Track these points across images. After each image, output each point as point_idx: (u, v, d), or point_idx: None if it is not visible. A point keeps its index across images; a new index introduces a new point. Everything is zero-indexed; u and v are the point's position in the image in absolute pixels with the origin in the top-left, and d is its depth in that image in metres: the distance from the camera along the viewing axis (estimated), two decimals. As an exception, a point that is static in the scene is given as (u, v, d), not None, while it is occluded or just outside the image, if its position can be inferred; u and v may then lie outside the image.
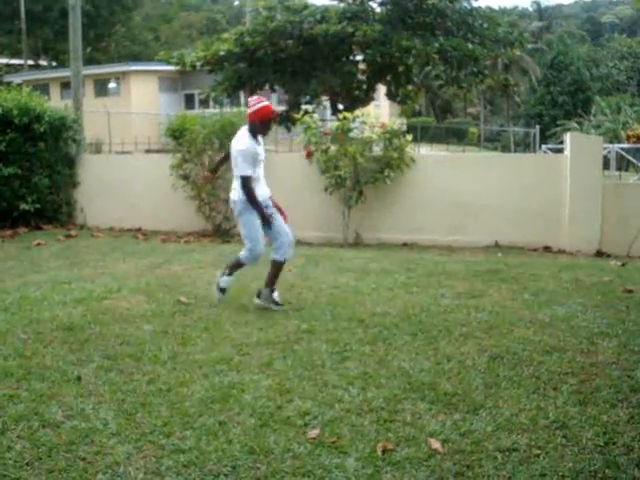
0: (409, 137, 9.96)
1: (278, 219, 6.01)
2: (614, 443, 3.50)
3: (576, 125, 38.48)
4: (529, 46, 52.87)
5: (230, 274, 6.24)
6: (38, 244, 10.11)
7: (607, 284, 7.10)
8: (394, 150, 9.68)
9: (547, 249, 9.76)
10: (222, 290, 6.25)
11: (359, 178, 9.78)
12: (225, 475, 3.20)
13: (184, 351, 4.93)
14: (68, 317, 5.79)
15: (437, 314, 5.84)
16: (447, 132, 46.86)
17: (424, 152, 24.85)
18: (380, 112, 35.21)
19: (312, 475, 3.18)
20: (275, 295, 6.05)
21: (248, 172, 5.76)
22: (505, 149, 42.78)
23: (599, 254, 9.49)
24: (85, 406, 3.98)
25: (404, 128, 37.61)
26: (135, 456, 3.39)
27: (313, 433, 3.59)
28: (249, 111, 5.82)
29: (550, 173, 9.80)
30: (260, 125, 5.81)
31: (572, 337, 5.23)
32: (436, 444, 3.45)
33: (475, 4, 21.01)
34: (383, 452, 3.37)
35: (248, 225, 5.92)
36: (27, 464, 3.33)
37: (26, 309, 6.08)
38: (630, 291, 6.73)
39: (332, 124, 10.55)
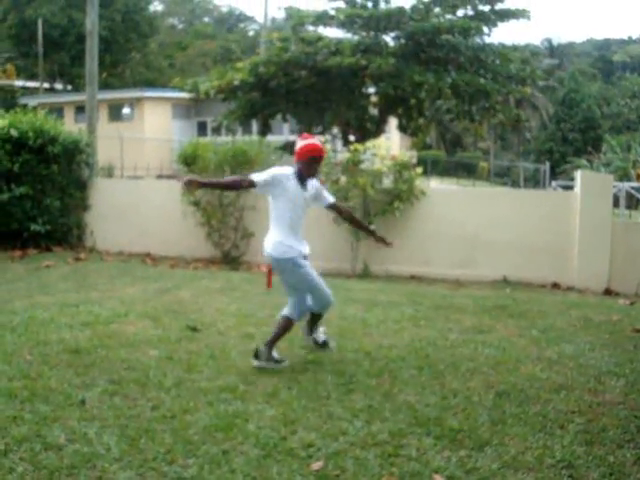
0: (419, 170, 10.01)
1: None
2: (621, 485, 3.46)
3: (586, 163, 38.55)
4: (541, 83, 53.28)
5: (272, 346, 5.24)
6: (47, 266, 10.14)
7: (616, 323, 7.07)
8: (404, 182, 9.73)
9: (555, 286, 9.73)
10: (278, 361, 5.22)
11: (368, 209, 9.82)
12: (227, 505, 3.18)
13: (189, 378, 4.91)
14: (75, 340, 5.79)
15: (444, 348, 5.81)
16: (457, 166, 47.04)
17: (434, 185, 24.93)
18: (390, 144, 35.50)
19: (315, 509, 3.15)
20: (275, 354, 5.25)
21: (256, 178, 5.03)
22: (515, 184, 42.86)
23: (607, 292, 9.46)
24: (88, 430, 3.97)
25: (414, 161, 37.87)
26: (137, 483, 3.37)
27: (317, 465, 3.56)
28: (296, 149, 5.15)
29: (560, 209, 9.81)
30: (304, 165, 5.09)
31: (580, 375, 5.19)
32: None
33: (488, 40, 21.28)
34: (387, 486, 3.35)
35: (305, 276, 5.19)
36: (28, 487, 3.32)
37: (33, 331, 6.09)
38: (638, 331, 6.70)
39: (343, 155, 10.61)
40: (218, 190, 7.15)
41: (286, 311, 5.29)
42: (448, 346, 5.91)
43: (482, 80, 19.62)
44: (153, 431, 3.97)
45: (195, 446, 3.77)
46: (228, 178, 5.34)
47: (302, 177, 5.11)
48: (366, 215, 9.87)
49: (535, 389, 4.84)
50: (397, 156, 10.09)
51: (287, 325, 5.28)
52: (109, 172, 19.24)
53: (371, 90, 21.20)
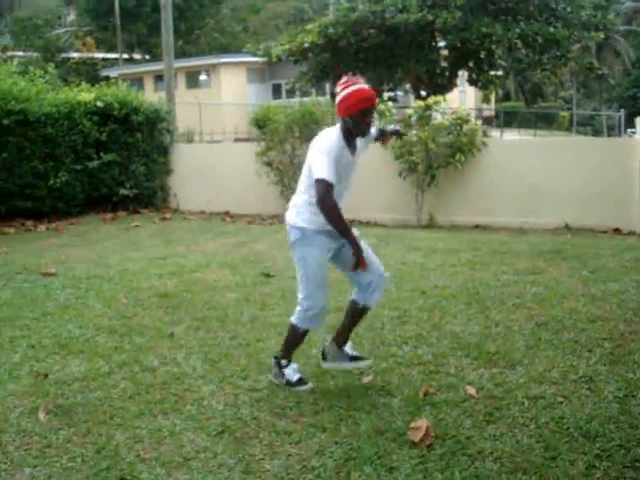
0: (478, 123, 10.36)
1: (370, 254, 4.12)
2: (633, 396, 3.93)
3: (671, 107, 37.35)
4: (622, 28, 51.38)
5: (289, 358, 4.25)
6: (136, 226, 11.07)
7: (667, 263, 7.37)
8: (465, 135, 10.12)
9: (617, 231, 9.96)
10: (300, 381, 4.17)
11: (431, 163, 10.27)
12: (290, 409, 3.85)
13: (262, 314, 5.62)
14: (163, 287, 6.60)
15: (494, 288, 6.31)
16: (536, 117, 46.17)
17: (509, 137, 24.83)
18: (466, 97, 35.26)
19: (362, 410, 3.78)
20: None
21: (330, 176, 3.74)
22: (597, 133, 41.88)
23: (670, 236, 9.64)
24: (177, 356, 4.72)
25: (492, 113, 37.27)
26: (217, 393, 4.09)
27: (367, 379, 4.20)
28: (337, 101, 3.92)
29: (620, 156, 9.98)
30: (357, 118, 3.83)
31: (618, 309, 5.61)
32: (472, 390, 3.99)
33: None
34: (425, 395, 3.94)
35: (306, 260, 4.04)
36: (129, 397, 4.07)
37: (127, 280, 6.93)
38: (688, 270, 6.99)
39: (407, 111, 11.04)
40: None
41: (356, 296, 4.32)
42: (499, 286, 6.41)
43: (552, 29, 19.48)
44: (231, 355, 4.70)
45: (266, 366, 4.46)
46: (334, 212, 3.76)
47: (351, 136, 3.93)
48: (429, 168, 10.32)
49: (573, 320, 5.31)
50: (457, 111, 10.47)
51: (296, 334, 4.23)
52: (189, 138, 20.12)
53: (440, 44, 21.32)
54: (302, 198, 3.99)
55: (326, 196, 3.72)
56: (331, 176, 3.73)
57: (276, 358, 4.22)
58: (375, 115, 10.56)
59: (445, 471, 3.15)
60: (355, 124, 3.84)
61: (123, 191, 12.64)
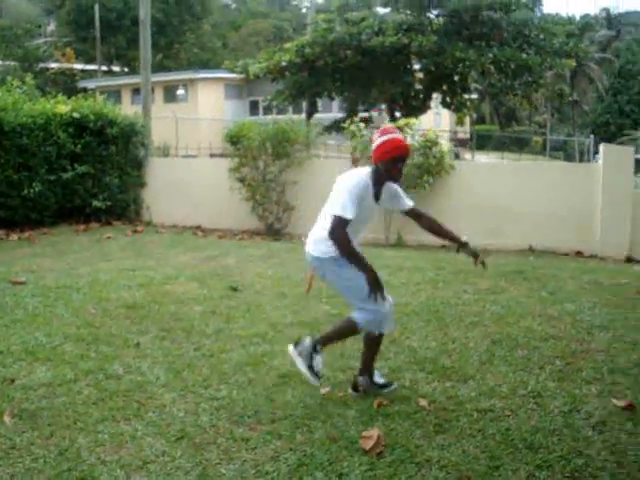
0: (446, 145, 10.62)
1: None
2: (578, 411, 4.13)
3: (642, 135, 38.13)
4: (597, 55, 52.48)
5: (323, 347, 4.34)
6: (108, 237, 11.15)
7: (623, 286, 7.61)
8: (433, 158, 10.37)
9: (579, 254, 10.27)
10: (318, 374, 4.27)
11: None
12: (248, 417, 3.99)
13: (227, 327, 5.76)
14: (132, 298, 6.71)
15: (455, 306, 6.51)
16: (510, 140, 46.86)
17: (482, 160, 25.21)
18: (441, 120, 35.74)
19: (318, 419, 3.94)
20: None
21: (347, 213, 3.95)
22: (570, 158, 42.56)
23: (629, 260, 9.94)
24: (141, 365, 4.84)
25: (467, 136, 37.76)
26: (178, 401, 4.22)
27: (325, 390, 4.36)
28: (373, 148, 4.16)
29: (584, 181, 10.32)
30: (388, 166, 4.04)
31: (572, 328, 5.83)
32: (424, 402, 4.17)
33: (540, 12, 21.49)
34: (378, 406, 4.11)
35: (351, 279, 4.14)
36: (93, 403, 4.19)
37: (96, 290, 7.03)
38: (642, 292, 7.24)
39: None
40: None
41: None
42: (459, 304, 6.60)
43: (524, 55, 19.94)
44: (194, 366, 4.83)
45: (227, 376, 4.60)
46: (345, 246, 4.00)
47: (380, 181, 4.13)
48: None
49: (527, 338, 5.52)
50: (427, 133, 10.72)
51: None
52: (164, 152, 20.21)
53: (415, 67, 21.70)
54: (322, 233, 4.13)
55: (338, 229, 3.94)
56: (348, 214, 3.93)
57: (316, 341, 4.28)
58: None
59: (393, 478, 3.32)
60: (387, 170, 4.04)
61: (96, 203, 12.71)
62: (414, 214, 4.47)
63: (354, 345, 5.26)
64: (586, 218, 10.24)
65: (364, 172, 4.13)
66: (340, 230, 3.94)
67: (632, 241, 10.07)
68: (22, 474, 3.37)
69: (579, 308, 6.51)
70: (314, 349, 4.24)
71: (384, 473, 3.35)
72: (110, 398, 4.26)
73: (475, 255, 4.62)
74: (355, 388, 4.35)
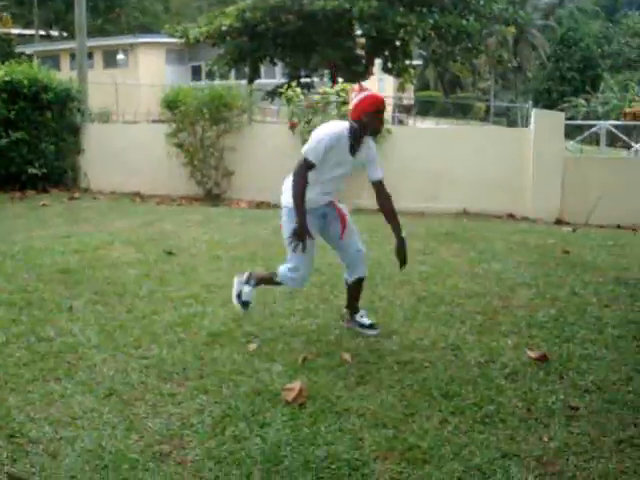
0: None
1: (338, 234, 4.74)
2: (493, 362, 4.35)
3: (583, 102, 38.88)
4: (539, 22, 53.12)
5: (256, 285, 4.98)
6: (44, 205, 11.03)
7: (550, 246, 7.92)
8: (370, 123, 10.49)
9: (511, 216, 10.57)
10: (245, 304, 4.97)
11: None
12: (177, 374, 4.10)
13: (161, 289, 5.84)
14: (66, 263, 6.71)
15: (385, 266, 6.68)
16: (454, 107, 47.35)
17: (428, 126, 25.47)
18: (384, 86, 35.88)
19: (243, 374, 4.08)
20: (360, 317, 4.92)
21: (310, 156, 4.27)
22: (512, 124, 43.20)
23: (559, 222, 10.28)
24: (73, 328, 4.90)
25: (412, 102, 38.01)
26: (109, 360, 4.30)
27: (252, 347, 4.50)
28: (351, 105, 4.36)
29: (516, 146, 10.59)
30: (371, 119, 4.29)
31: (496, 286, 6.08)
32: (347, 356, 4.34)
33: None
34: (303, 361, 4.26)
35: (286, 232, 4.51)
36: (24, 365, 4.24)
37: (30, 256, 7.01)
38: (567, 252, 7.52)
39: (315, 97, 11.33)
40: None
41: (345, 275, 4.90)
42: (390, 264, 6.76)
43: (464, 21, 20.14)
44: (125, 327, 4.91)
45: (158, 336, 4.70)
46: (298, 185, 4.29)
47: (359, 136, 4.34)
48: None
49: (452, 296, 5.74)
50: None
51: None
52: (105, 117, 19.91)
53: (357, 32, 21.73)
54: (288, 183, 4.46)
55: (300, 170, 4.30)
56: (311, 156, 4.27)
57: (250, 274, 4.95)
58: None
59: (312, 426, 3.47)
60: (370, 122, 4.29)
61: (32, 170, 12.52)
62: (377, 187, 4.62)
63: (284, 304, 5.42)
64: (518, 182, 10.54)
65: (342, 125, 4.38)
66: (300, 170, 4.29)
67: (562, 204, 10.40)
68: (-50, 433, 3.42)
69: (505, 267, 6.76)
70: (247, 280, 4.90)
71: (304, 422, 3.51)
72: (41, 360, 4.32)
73: (400, 254, 4.87)
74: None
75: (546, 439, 3.36)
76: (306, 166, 4.29)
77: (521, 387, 3.97)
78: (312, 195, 4.42)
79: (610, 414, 3.62)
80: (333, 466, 3.11)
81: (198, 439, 3.34)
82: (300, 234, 4.34)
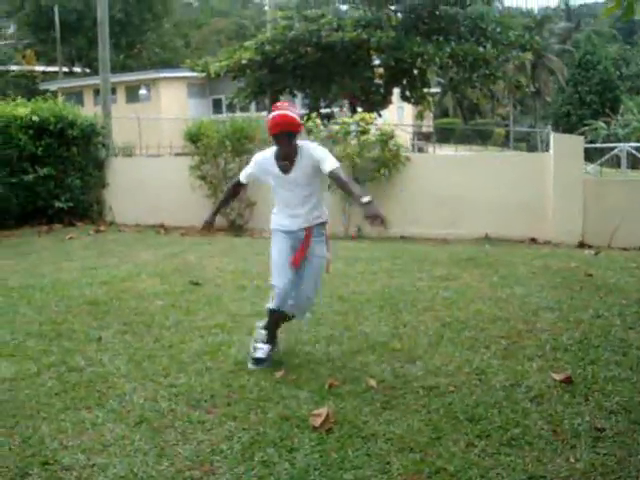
0: (400, 139, 10.88)
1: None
2: (519, 385, 4.37)
3: (603, 124, 38.85)
4: (556, 46, 53.28)
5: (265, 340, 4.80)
6: (70, 237, 11.24)
7: (572, 269, 7.91)
8: (389, 151, 10.62)
9: (533, 241, 10.58)
10: (257, 361, 4.73)
11: (358, 177, 10.72)
12: (205, 401, 4.17)
13: (187, 319, 5.93)
14: (94, 295, 6.84)
15: (409, 293, 6.74)
16: (473, 133, 47.47)
17: (446, 153, 25.54)
18: (404, 114, 36.10)
19: (271, 400, 4.14)
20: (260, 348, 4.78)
21: (241, 175, 4.85)
22: (533, 149, 43.21)
23: (581, 245, 10.27)
24: (103, 357, 5.00)
25: (431, 130, 38.18)
26: (138, 389, 4.39)
27: (279, 374, 4.55)
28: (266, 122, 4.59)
29: (536, 170, 10.63)
30: (275, 141, 4.49)
31: (520, 310, 6.10)
32: (372, 382, 4.38)
33: (496, 5, 21.85)
34: (329, 387, 4.32)
35: (271, 249, 4.76)
36: (55, 394, 4.34)
37: (58, 289, 7.15)
38: (590, 275, 7.52)
39: (335, 127, 11.48)
40: (224, 207, 5.89)
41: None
42: (413, 291, 6.84)
43: (481, 48, 20.31)
44: (154, 357, 5.00)
45: (186, 365, 4.78)
46: (223, 195, 5.14)
47: (280, 156, 4.51)
48: (355, 181, 10.76)
49: (476, 320, 5.77)
50: (382, 127, 10.97)
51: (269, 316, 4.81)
52: (128, 152, 20.23)
53: (375, 62, 21.98)
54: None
55: (230, 182, 5.15)
56: (243, 176, 4.84)
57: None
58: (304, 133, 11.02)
59: (340, 451, 3.52)
60: (276, 145, 4.50)
61: (59, 204, 12.79)
62: (331, 178, 4.50)
63: (310, 332, 5.48)
64: (539, 206, 10.56)
65: (270, 149, 4.64)
66: (231, 182, 5.12)
67: (584, 227, 10.39)
68: (-14, 462, 3.51)
69: (528, 291, 6.78)
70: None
71: (332, 447, 3.55)
72: (72, 389, 4.41)
73: (370, 214, 4.24)
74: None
75: (573, 460, 3.38)
76: (233, 183, 5.03)
77: (547, 409, 3.98)
78: (281, 220, 4.74)
79: (636, 434, 3.63)
80: (361, 489, 3.15)
81: (228, 465, 3.40)
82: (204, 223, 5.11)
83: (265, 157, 4.63)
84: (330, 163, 4.45)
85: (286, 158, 4.49)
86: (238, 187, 4.97)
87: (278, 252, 4.66)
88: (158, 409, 4.07)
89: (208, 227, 5.13)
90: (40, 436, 3.76)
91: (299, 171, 4.52)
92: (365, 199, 4.26)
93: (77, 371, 4.74)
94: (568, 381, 4.36)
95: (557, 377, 4.43)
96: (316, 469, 3.32)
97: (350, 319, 5.84)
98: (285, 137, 4.38)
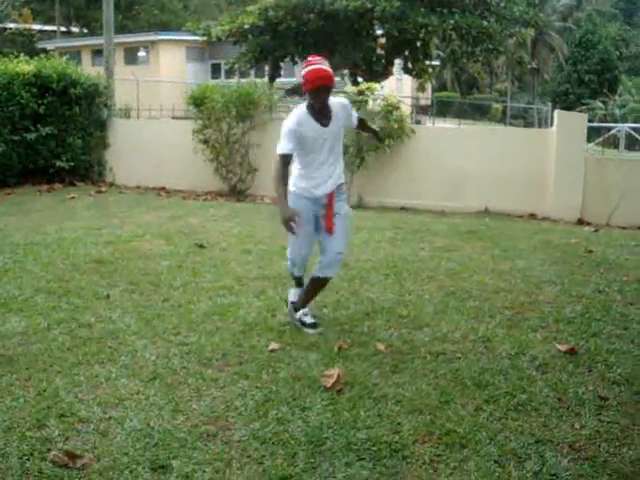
0: (406, 110, 10.86)
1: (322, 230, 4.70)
2: (524, 354, 4.46)
3: (601, 104, 38.84)
4: (558, 24, 52.98)
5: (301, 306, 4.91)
6: (72, 197, 11.23)
7: (573, 245, 8.00)
8: (395, 122, 10.61)
9: (532, 216, 10.64)
10: (312, 325, 4.80)
11: (361, 146, 10.73)
12: (216, 360, 4.24)
13: (194, 280, 5.98)
14: (99, 254, 6.88)
15: (412, 262, 6.81)
16: (471, 107, 47.36)
17: (442, 126, 25.50)
18: (402, 86, 35.93)
19: (282, 361, 4.21)
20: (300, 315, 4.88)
21: (281, 149, 4.43)
22: (529, 126, 43.15)
23: (580, 222, 10.34)
24: (112, 315, 5.06)
25: (429, 103, 38.06)
26: (150, 346, 4.45)
27: (288, 336, 4.62)
28: (302, 76, 4.43)
29: (538, 146, 10.65)
30: (312, 96, 4.36)
31: (522, 283, 6.18)
32: (381, 346, 4.46)
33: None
34: (339, 350, 4.39)
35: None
36: (67, 349, 4.40)
37: (64, 247, 7.18)
38: (590, 251, 7.61)
39: (340, 96, 11.43)
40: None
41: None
42: (416, 260, 6.92)
43: (485, 22, 20.19)
44: (163, 315, 5.06)
45: (195, 324, 4.85)
46: (278, 180, 4.44)
47: (316, 109, 4.41)
48: (359, 151, 10.79)
49: (479, 291, 5.85)
50: (388, 97, 10.95)
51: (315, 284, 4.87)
52: (126, 114, 20.10)
53: (378, 32, 21.82)
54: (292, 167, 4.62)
55: (276, 165, 4.46)
56: (282, 149, 4.41)
57: (292, 305, 4.92)
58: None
59: (352, 411, 3.60)
60: (312, 99, 4.37)
61: (60, 163, 12.75)
62: (362, 123, 4.94)
63: (316, 297, 5.54)
64: (540, 182, 10.59)
65: (299, 108, 4.53)
66: (278, 166, 4.44)
67: (583, 204, 10.45)
68: (3, 412, 3.55)
69: (529, 265, 6.86)
70: (295, 310, 4.90)
71: (344, 407, 3.63)
72: (84, 344, 4.47)
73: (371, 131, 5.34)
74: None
75: (578, 427, 3.47)
76: (283, 162, 4.43)
77: (551, 378, 4.07)
78: (309, 185, 4.58)
79: (639, 404, 3.73)
80: (374, 448, 3.23)
81: (242, 421, 3.47)
82: (284, 224, 4.36)
83: (300, 117, 4.44)
84: (355, 113, 4.80)
85: (323, 111, 4.43)
86: (286, 165, 4.48)
87: (297, 224, 4.42)
88: (170, 366, 4.14)
89: (293, 218, 4.37)
90: (55, 389, 3.82)
91: (336, 123, 4.51)
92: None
93: (87, 327, 4.79)
94: (572, 352, 4.45)
95: (561, 348, 4.52)
96: (329, 427, 3.40)
97: (356, 285, 5.91)
98: (324, 90, 4.33)
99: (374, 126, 4.83)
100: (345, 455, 3.16)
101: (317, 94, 4.32)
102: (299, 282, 5.01)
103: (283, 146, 4.41)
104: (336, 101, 4.56)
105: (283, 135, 4.42)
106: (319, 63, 4.35)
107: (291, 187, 4.59)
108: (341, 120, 4.55)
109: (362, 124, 4.94)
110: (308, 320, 4.82)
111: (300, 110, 4.49)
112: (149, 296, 5.53)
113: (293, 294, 4.98)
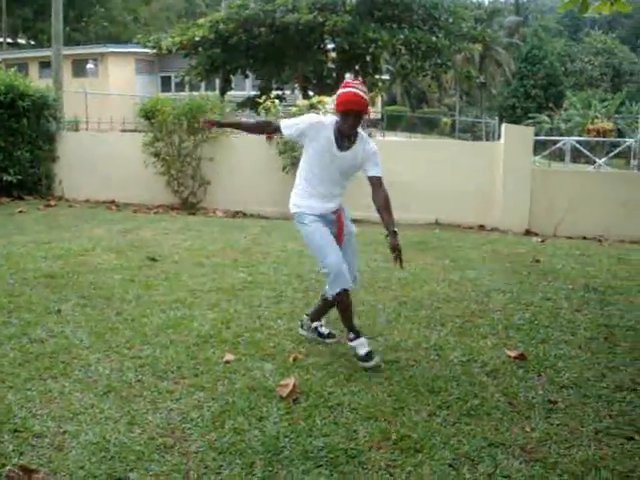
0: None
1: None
2: (475, 361, 4.55)
3: (547, 118, 39.78)
4: (505, 40, 54.13)
5: (313, 320, 4.91)
6: (21, 211, 11.04)
7: (521, 255, 8.20)
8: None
9: (482, 227, 10.86)
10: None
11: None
12: (172, 372, 4.23)
13: (147, 294, 5.94)
14: (49, 268, 6.78)
15: (365, 272, 6.86)
16: (420, 121, 48.05)
17: (399, 139, 25.82)
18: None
19: (237, 372, 4.22)
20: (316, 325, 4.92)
21: (283, 124, 4.46)
22: (478, 139, 43.92)
23: (528, 233, 10.58)
24: (64, 329, 4.99)
25: (378, 116, 38.37)
26: (103, 360, 4.41)
27: (243, 348, 4.64)
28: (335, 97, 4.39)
29: (487, 159, 10.88)
30: (339, 116, 4.30)
31: (472, 292, 6.31)
32: (335, 356, 4.50)
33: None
34: (294, 360, 4.43)
35: (307, 236, 4.58)
36: (19, 364, 4.32)
37: (13, 262, 7.06)
38: (537, 261, 7.82)
39: (292, 109, 11.52)
40: (234, 128, 5.93)
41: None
42: (369, 271, 7.01)
43: (434, 38, 20.55)
44: (116, 329, 5.01)
45: (149, 338, 4.82)
46: (251, 121, 4.73)
47: (341, 131, 4.30)
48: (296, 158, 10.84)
49: (431, 300, 5.96)
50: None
51: (325, 302, 4.80)
52: (75, 127, 19.88)
53: (329, 46, 22.03)
54: (294, 191, 4.66)
55: (264, 122, 4.96)
56: (284, 125, 4.44)
57: (308, 320, 4.89)
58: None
59: (308, 419, 3.63)
60: (341, 122, 4.28)
61: (7, 177, 12.52)
62: (374, 183, 4.54)
63: (270, 309, 5.57)
64: (489, 193, 10.82)
65: (330, 117, 4.41)
66: (265, 124, 5.08)
67: (531, 215, 10.70)
68: (-46, 429, 3.50)
69: (479, 274, 7.01)
70: (312, 328, 4.89)
71: (300, 416, 3.66)
72: (36, 359, 4.40)
73: (394, 249, 4.67)
74: (302, 326, 4.94)
75: (528, 429, 3.56)
76: (273, 126, 4.62)
77: (502, 383, 4.17)
78: (312, 202, 4.51)
79: (587, 407, 3.85)
80: (331, 455, 3.26)
81: (199, 432, 3.47)
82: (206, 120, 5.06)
83: (324, 124, 4.32)
84: (380, 169, 4.54)
85: (347, 136, 4.33)
86: (271, 131, 4.79)
87: (320, 234, 4.43)
88: (125, 379, 4.11)
89: (209, 124, 5.05)
90: (7, 405, 3.76)
91: (352, 154, 4.39)
92: (395, 228, 4.66)
93: (39, 342, 4.72)
94: (521, 358, 4.57)
95: (511, 354, 4.64)
96: (286, 436, 3.42)
97: (310, 297, 5.95)
98: (352, 116, 4.24)
99: (390, 207, 4.76)
100: (302, 463, 3.19)
101: (345, 118, 4.23)
102: (350, 314, 4.61)
103: (288, 124, 4.43)
104: (368, 141, 4.48)
105: (297, 119, 4.44)
106: (356, 87, 4.25)
107: (296, 209, 4.62)
108: (358, 157, 4.41)
109: (375, 184, 4.55)
110: (324, 330, 4.89)
111: (329, 120, 4.36)
112: (101, 310, 5.48)
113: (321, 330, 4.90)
